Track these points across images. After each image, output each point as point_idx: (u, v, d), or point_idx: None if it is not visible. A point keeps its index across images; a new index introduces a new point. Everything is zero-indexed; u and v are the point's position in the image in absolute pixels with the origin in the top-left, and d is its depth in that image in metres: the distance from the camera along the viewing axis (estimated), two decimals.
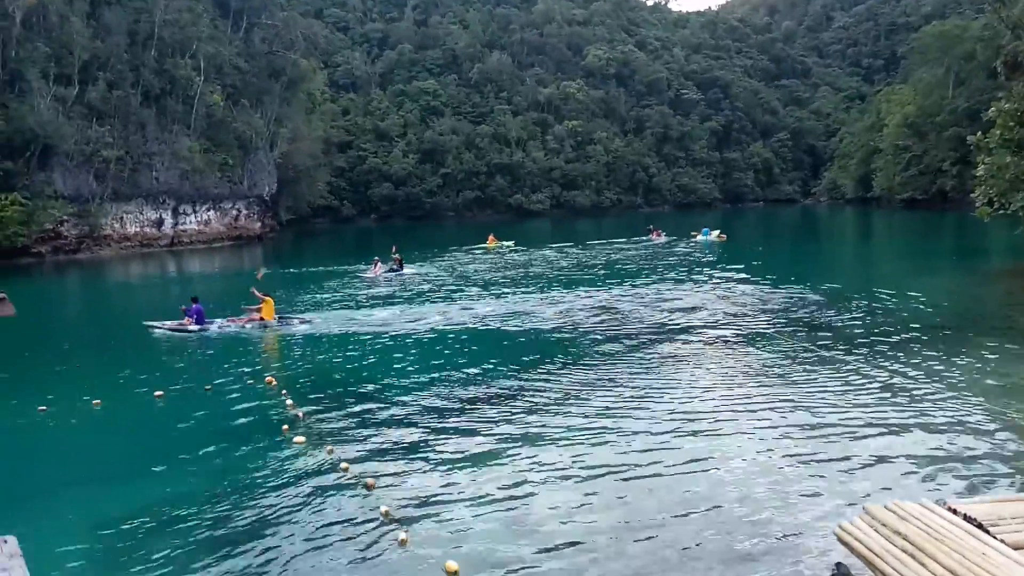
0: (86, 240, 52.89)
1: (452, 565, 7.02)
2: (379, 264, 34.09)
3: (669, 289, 26.35)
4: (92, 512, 8.79)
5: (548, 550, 7.46)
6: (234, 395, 13.77)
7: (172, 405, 13.40)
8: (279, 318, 20.94)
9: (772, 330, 18.24)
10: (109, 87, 53.26)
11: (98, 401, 13.38)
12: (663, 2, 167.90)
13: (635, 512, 8.22)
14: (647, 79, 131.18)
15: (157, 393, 13.77)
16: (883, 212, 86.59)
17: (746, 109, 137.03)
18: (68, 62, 50.71)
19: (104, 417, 12.93)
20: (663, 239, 51.41)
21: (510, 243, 50.70)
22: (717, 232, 51.10)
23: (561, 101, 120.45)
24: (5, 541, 5.34)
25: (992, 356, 14.44)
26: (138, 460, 10.73)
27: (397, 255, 34.81)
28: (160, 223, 60.26)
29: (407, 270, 34.32)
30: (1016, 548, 5.60)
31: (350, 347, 17.99)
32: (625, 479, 9.12)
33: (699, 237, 50.48)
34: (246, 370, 15.51)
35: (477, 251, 46.80)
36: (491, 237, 51.17)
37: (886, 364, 14.20)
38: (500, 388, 13.54)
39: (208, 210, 65.02)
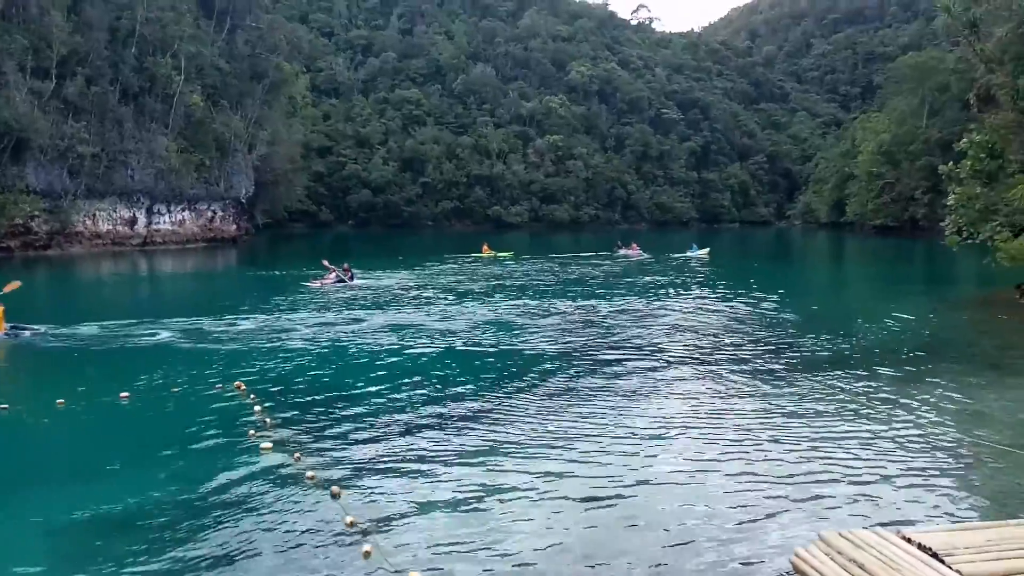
0: (57, 236, 52.14)
1: None
2: (332, 273, 32.75)
3: (641, 307, 26.51)
4: (50, 514, 8.62)
5: (514, 565, 7.44)
6: (201, 398, 13.60)
7: (138, 406, 13.20)
8: (10, 327, 19.59)
9: (739, 352, 18.39)
10: (87, 83, 52.71)
11: (62, 400, 13.15)
12: (647, 22, 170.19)
13: (600, 530, 8.24)
14: (629, 97, 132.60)
15: (123, 394, 13.56)
16: (855, 237, 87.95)
17: (725, 131, 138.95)
18: (46, 56, 50.12)
19: (67, 417, 12.70)
20: (638, 254, 51.85)
21: (508, 253, 50.76)
22: (706, 250, 51.98)
23: (543, 115, 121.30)
24: None
25: (956, 383, 14.67)
26: (100, 462, 10.54)
27: (345, 264, 33.57)
28: (133, 222, 59.59)
29: (357, 281, 33.06)
30: None
31: (321, 356, 17.87)
32: (591, 497, 9.13)
33: (689, 253, 51.34)
34: (214, 374, 15.33)
35: (458, 260, 46.75)
36: (485, 246, 51.32)
37: (850, 389, 14.36)
38: (470, 401, 13.52)
39: (183, 210, 64.42)
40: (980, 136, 27.50)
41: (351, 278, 32.94)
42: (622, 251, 53.55)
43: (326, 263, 33.43)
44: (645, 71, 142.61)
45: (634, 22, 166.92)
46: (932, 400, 13.41)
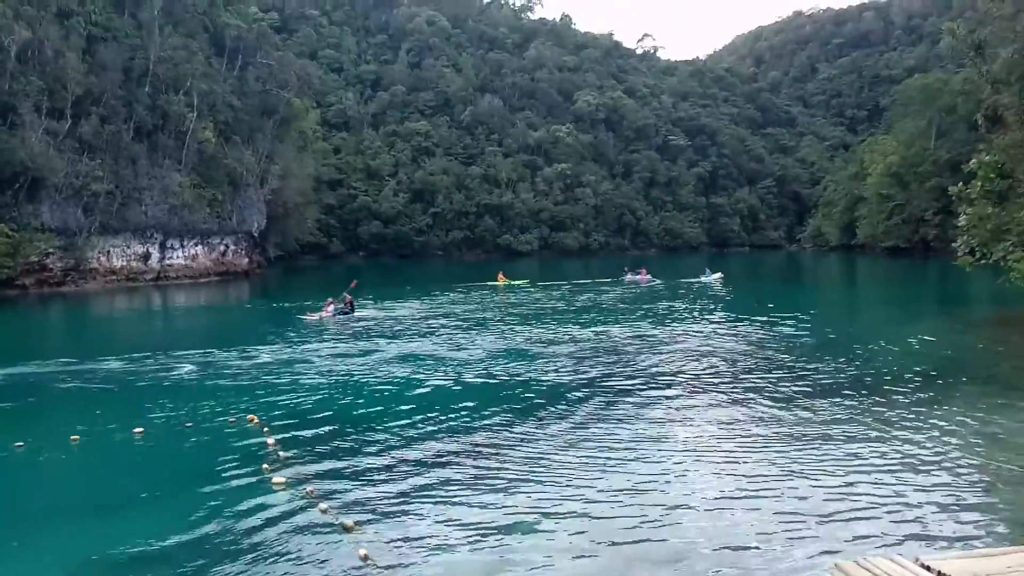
0: (71, 273, 52.59)
1: None
2: (331, 305, 31.90)
3: (657, 333, 26.43)
4: (67, 551, 8.64)
5: None
6: (215, 433, 13.63)
7: (151, 442, 13.24)
8: None
9: (755, 378, 18.28)
10: (101, 122, 53.53)
11: (76, 437, 13.22)
12: (652, 51, 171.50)
13: (615, 559, 8.18)
14: (635, 125, 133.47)
15: (137, 430, 13.62)
16: (867, 260, 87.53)
17: (732, 156, 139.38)
18: (61, 96, 50.99)
19: (82, 454, 12.76)
20: (647, 280, 51.74)
21: (524, 281, 50.93)
22: (719, 274, 51.79)
23: (551, 144, 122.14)
24: None
25: (973, 405, 14.52)
26: (115, 498, 10.57)
27: (348, 296, 32.60)
28: (147, 257, 60.08)
29: (359, 312, 32.24)
30: None
31: (334, 388, 17.90)
32: (606, 524, 9.07)
33: (703, 278, 51.13)
34: (227, 408, 15.37)
35: (470, 289, 46.86)
36: (500, 275, 51.45)
37: (866, 412, 14.25)
38: (485, 433, 13.48)
39: (196, 245, 64.94)
40: (989, 156, 27.47)
41: (352, 309, 32.08)
42: (629, 277, 53.56)
43: (315, 314, 31.92)
44: (651, 99, 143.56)
45: (639, 51, 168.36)
46: (949, 423, 13.27)
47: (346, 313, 31.81)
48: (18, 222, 47.87)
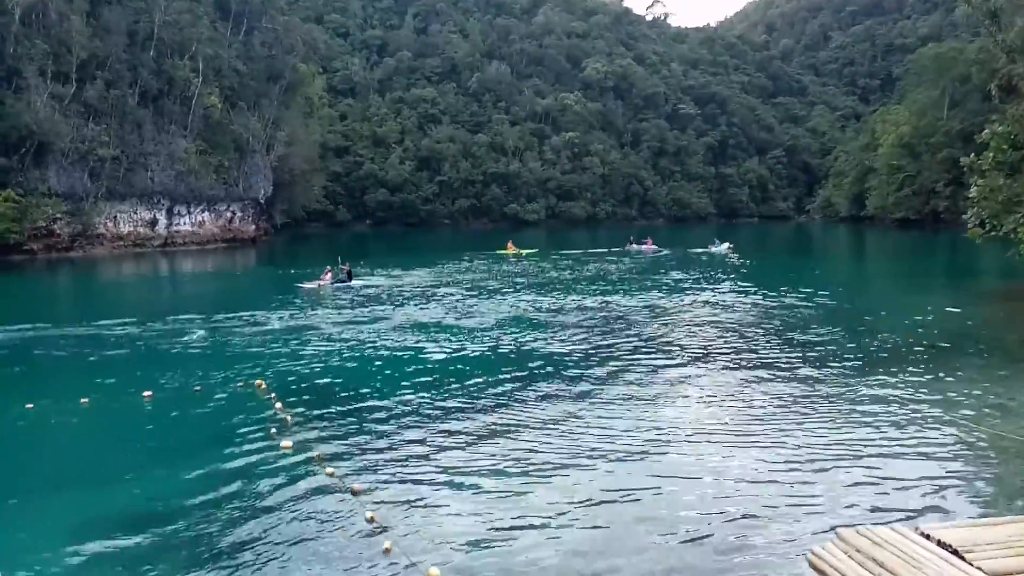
0: (79, 238, 52.74)
1: (435, 572, 7.03)
2: (328, 274, 32.22)
3: (666, 303, 26.44)
4: (76, 514, 8.76)
5: (531, 561, 7.47)
6: (223, 397, 13.75)
7: (160, 405, 13.37)
8: None
9: (761, 348, 18.31)
10: (107, 86, 53.22)
11: (86, 400, 13.35)
12: (662, 17, 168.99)
13: (617, 529, 8.26)
14: (645, 93, 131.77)
15: (146, 393, 13.74)
16: (876, 231, 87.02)
17: (742, 125, 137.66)
18: (66, 60, 50.67)
19: (92, 416, 12.90)
20: (652, 250, 51.63)
21: (533, 250, 50.89)
22: (727, 244, 51.46)
23: (559, 112, 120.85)
24: None
25: (979, 377, 14.53)
26: (124, 461, 10.70)
27: (345, 265, 32.86)
28: (154, 223, 60.13)
29: (356, 282, 32.28)
30: None
31: (340, 355, 18.00)
32: (611, 495, 9.16)
33: (712, 248, 50.88)
34: (236, 373, 15.48)
35: (476, 258, 46.81)
36: (510, 244, 51.40)
37: (872, 384, 14.26)
38: (489, 400, 13.57)
39: (202, 211, 64.94)
40: (1002, 127, 27.12)
41: (350, 279, 32.25)
42: (634, 247, 53.41)
43: (313, 282, 32.20)
44: (661, 66, 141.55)
45: (649, 17, 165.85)
46: (955, 394, 13.29)
47: (343, 282, 31.96)
48: (25, 187, 47.89)
